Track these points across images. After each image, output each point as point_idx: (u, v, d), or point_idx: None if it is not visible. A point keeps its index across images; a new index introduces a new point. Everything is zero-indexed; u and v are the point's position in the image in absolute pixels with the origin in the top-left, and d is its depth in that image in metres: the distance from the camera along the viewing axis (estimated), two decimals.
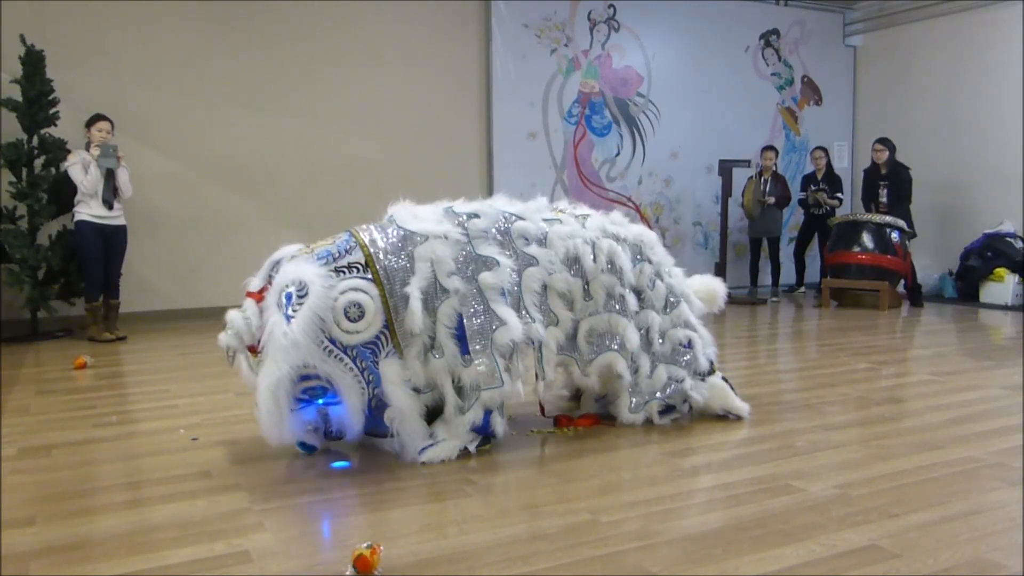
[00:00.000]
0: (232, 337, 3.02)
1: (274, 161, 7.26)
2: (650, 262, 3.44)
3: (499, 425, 3.07)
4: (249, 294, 3.03)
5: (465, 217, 3.18)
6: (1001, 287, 7.80)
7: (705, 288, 3.70)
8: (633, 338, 3.30)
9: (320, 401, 2.89)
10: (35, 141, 5.97)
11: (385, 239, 3.08)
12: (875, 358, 5.09)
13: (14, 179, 5.92)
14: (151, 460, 3.03)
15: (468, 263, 3.05)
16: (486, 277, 3.03)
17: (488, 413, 3.02)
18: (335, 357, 2.79)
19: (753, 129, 9.26)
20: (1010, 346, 5.67)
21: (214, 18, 6.98)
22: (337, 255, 2.99)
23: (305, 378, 2.79)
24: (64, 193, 5.87)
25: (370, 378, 2.84)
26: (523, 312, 3.10)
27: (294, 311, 2.77)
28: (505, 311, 3.02)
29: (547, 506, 2.51)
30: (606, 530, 2.31)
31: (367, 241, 3.07)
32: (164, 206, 6.86)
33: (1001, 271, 7.83)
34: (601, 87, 8.55)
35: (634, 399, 3.40)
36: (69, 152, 5.90)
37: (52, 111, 6.02)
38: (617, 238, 3.39)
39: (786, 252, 8.97)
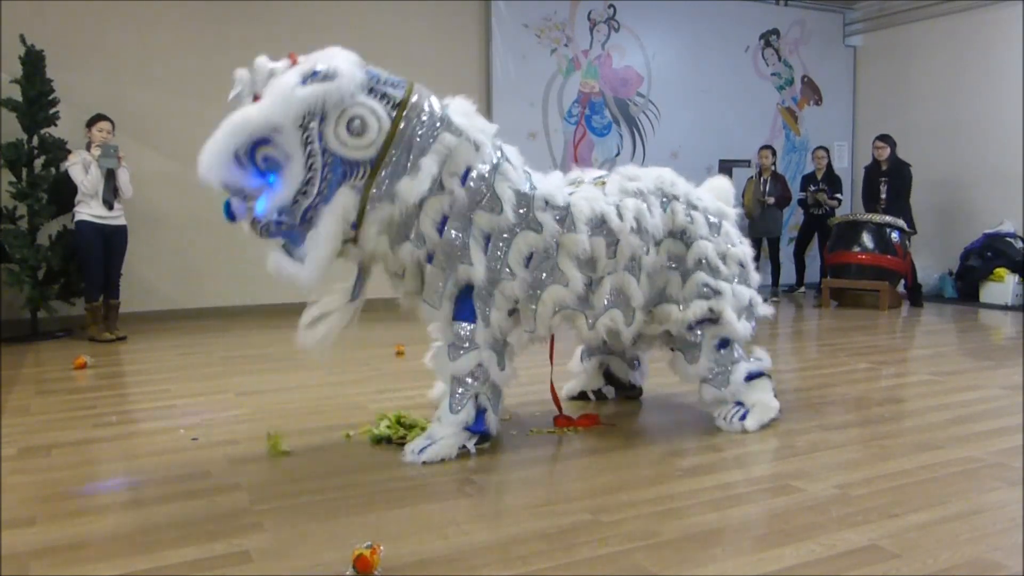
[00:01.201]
0: (252, 74, 2.89)
1: None
2: (677, 198, 3.36)
3: (493, 424, 3.06)
4: (292, 55, 2.89)
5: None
6: (1001, 287, 7.80)
7: (716, 187, 3.63)
8: (638, 296, 3.22)
9: (271, 179, 2.76)
10: (35, 141, 5.97)
11: (431, 112, 2.92)
12: (875, 358, 5.09)
13: (14, 179, 5.92)
14: (151, 460, 3.03)
15: (483, 188, 2.95)
16: (481, 215, 2.95)
17: (482, 412, 3.02)
18: (308, 145, 2.70)
19: (753, 129, 9.25)
20: (1010, 346, 5.67)
21: (214, 18, 6.98)
22: (384, 81, 2.91)
23: (266, 142, 2.71)
24: (64, 193, 5.87)
25: (323, 190, 2.74)
26: (505, 267, 3.01)
27: (310, 82, 2.70)
28: (477, 255, 2.95)
29: (547, 506, 2.51)
30: (606, 530, 2.31)
31: (416, 89, 2.96)
32: (164, 206, 6.86)
33: (1001, 271, 7.83)
34: (601, 87, 8.55)
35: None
36: (69, 152, 5.90)
37: (52, 111, 6.02)
38: (640, 193, 3.29)
39: (786, 252, 8.97)
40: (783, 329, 6.77)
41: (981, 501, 2.55)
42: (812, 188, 8.48)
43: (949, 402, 3.87)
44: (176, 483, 2.75)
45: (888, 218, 7.68)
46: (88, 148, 5.81)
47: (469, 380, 3.01)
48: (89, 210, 5.77)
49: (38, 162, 6.01)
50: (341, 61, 2.78)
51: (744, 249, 3.47)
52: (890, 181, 7.83)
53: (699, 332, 3.35)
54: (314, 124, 2.71)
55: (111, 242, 5.89)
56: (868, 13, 9.69)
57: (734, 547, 2.19)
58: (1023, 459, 2.95)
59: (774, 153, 8.54)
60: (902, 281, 7.88)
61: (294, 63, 2.82)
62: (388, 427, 3.26)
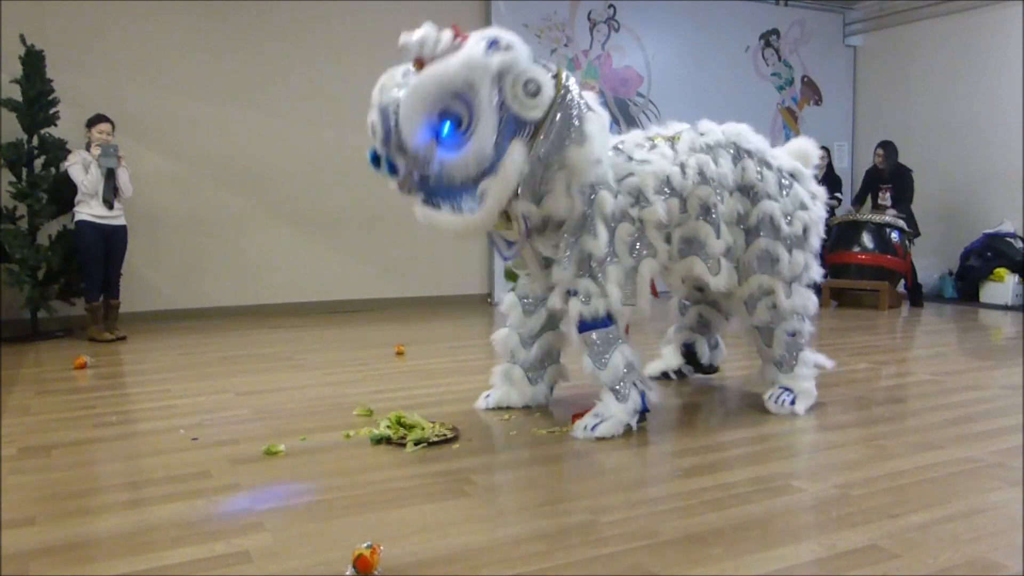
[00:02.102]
0: (420, 39, 3.04)
1: (274, 161, 7.26)
2: (750, 155, 3.51)
3: (653, 396, 3.34)
4: (455, 27, 3.09)
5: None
6: (1001, 287, 7.80)
7: (797, 149, 3.80)
8: (715, 244, 3.38)
9: (446, 130, 2.95)
10: (35, 141, 5.97)
11: (575, 88, 3.14)
12: (875, 358, 5.09)
13: (14, 179, 5.92)
14: (151, 460, 3.03)
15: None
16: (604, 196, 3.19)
17: (642, 394, 3.27)
18: (491, 105, 2.91)
19: (753, 129, 9.23)
20: (1010, 346, 5.67)
21: (214, 18, 6.98)
22: (536, 57, 3.14)
23: (459, 98, 2.90)
24: (64, 193, 5.87)
25: (497, 143, 2.94)
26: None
27: (494, 49, 2.94)
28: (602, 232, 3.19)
29: (547, 506, 2.51)
30: (606, 530, 2.31)
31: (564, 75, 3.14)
32: (164, 206, 6.87)
33: (1001, 271, 7.83)
34: (601, 87, 8.55)
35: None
36: (69, 152, 5.90)
37: (52, 111, 6.02)
38: (708, 148, 3.46)
39: None
40: None
41: (981, 501, 2.55)
42: None
43: (949, 402, 3.87)
44: (176, 483, 2.75)
45: (888, 218, 7.68)
46: (88, 148, 5.81)
47: (624, 372, 3.22)
48: (89, 210, 5.77)
49: (38, 162, 6.01)
50: (502, 33, 3.06)
51: (812, 214, 3.58)
52: (893, 187, 7.84)
53: (772, 325, 3.58)
54: (502, 84, 2.95)
55: (111, 242, 5.89)
56: (868, 13, 9.69)
57: (734, 547, 2.19)
58: (1023, 459, 2.95)
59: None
60: (902, 281, 7.88)
61: (457, 34, 3.04)
62: (388, 427, 3.26)
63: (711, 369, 4.31)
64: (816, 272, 3.65)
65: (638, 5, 8.66)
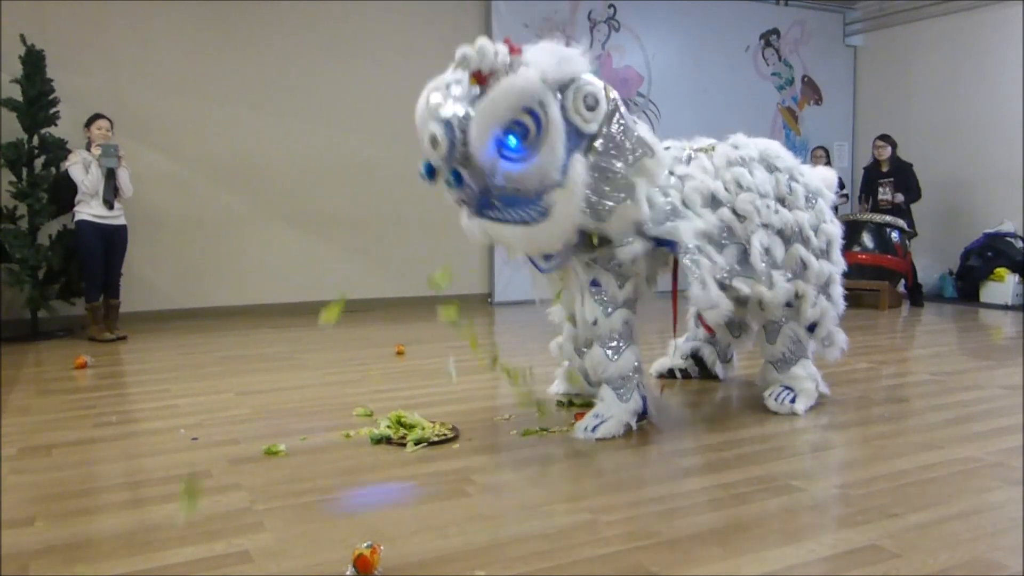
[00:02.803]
0: (479, 52, 2.91)
1: (274, 161, 7.27)
2: (779, 170, 3.64)
3: (651, 404, 3.43)
4: (507, 40, 3.05)
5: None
6: (1001, 287, 7.80)
7: (820, 175, 3.92)
8: (756, 245, 3.45)
9: (512, 143, 2.93)
10: (35, 141, 5.98)
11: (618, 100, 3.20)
12: (875, 358, 5.09)
13: (14, 179, 5.92)
14: (151, 460, 3.03)
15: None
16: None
17: (643, 397, 3.34)
18: (559, 118, 2.94)
19: (753, 129, 9.05)
20: (1010, 346, 5.67)
21: (214, 18, 6.98)
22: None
23: (527, 111, 2.90)
24: (64, 193, 5.87)
25: (560, 156, 2.96)
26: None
27: (562, 64, 2.99)
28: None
29: (547, 506, 2.51)
30: (606, 530, 2.31)
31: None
32: (164, 206, 6.87)
33: (1001, 271, 7.83)
34: None
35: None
36: (69, 152, 5.91)
37: (52, 111, 6.03)
38: (744, 161, 3.58)
39: None
40: None
41: (981, 501, 2.55)
42: None
43: (949, 402, 3.87)
44: (176, 483, 2.75)
45: (888, 218, 7.68)
46: (88, 148, 5.81)
47: (631, 373, 3.29)
48: (89, 210, 5.77)
49: (38, 162, 6.02)
50: (571, 50, 3.08)
51: (835, 229, 3.75)
52: (895, 182, 7.84)
53: (784, 318, 3.65)
54: (564, 98, 2.98)
55: (111, 242, 5.89)
56: (868, 13, 9.69)
57: (734, 547, 2.19)
58: (1023, 459, 2.95)
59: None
60: (902, 281, 7.88)
61: (512, 50, 3.00)
62: (388, 427, 3.26)
63: (715, 376, 4.35)
64: (837, 281, 3.77)
65: (638, 5, 8.66)
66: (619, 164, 3.08)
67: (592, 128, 3.04)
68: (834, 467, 2.89)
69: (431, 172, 3.06)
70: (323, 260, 7.50)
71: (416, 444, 3.12)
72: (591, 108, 3.02)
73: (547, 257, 3.31)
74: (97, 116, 5.87)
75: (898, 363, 5.08)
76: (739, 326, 4.12)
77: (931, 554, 2.14)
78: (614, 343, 3.28)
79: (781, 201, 3.59)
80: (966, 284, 8.18)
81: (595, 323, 3.31)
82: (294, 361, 5.04)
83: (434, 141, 2.97)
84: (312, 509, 2.50)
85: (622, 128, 3.11)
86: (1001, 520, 2.38)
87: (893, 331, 6.47)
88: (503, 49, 2.96)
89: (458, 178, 3.00)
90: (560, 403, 3.79)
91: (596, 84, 3.06)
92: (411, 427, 3.26)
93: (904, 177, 7.83)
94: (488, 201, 3.04)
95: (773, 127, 9.43)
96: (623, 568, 2.07)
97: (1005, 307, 7.64)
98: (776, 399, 3.65)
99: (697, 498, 2.58)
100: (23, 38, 5.96)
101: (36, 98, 5.93)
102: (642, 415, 3.36)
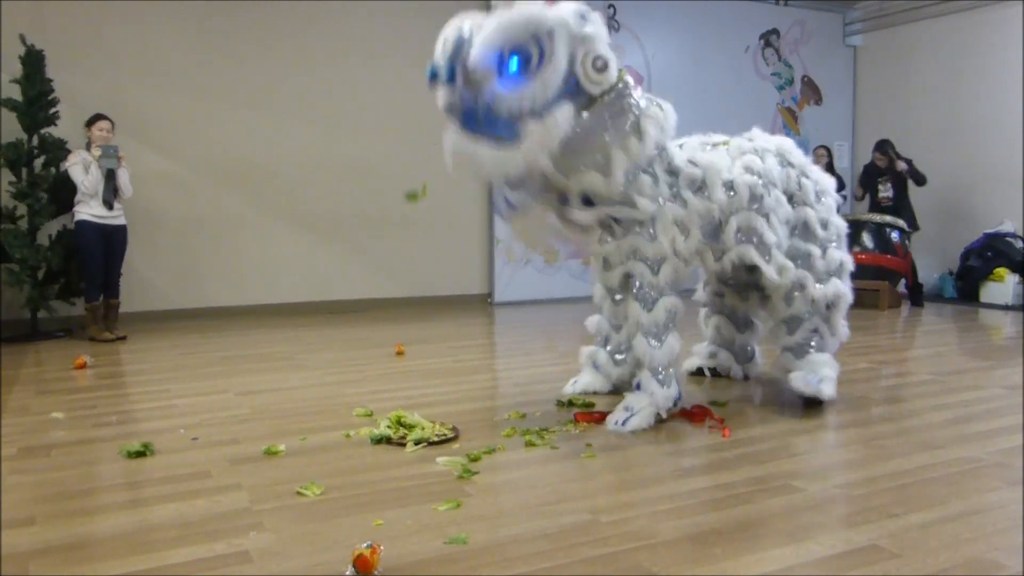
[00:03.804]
0: None
1: (274, 161, 7.27)
2: (792, 165, 3.79)
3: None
4: None
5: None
6: (1001, 287, 7.80)
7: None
8: (770, 236, 3.58)
9: (513, 66, 3.04)
10: (35, 141, 5.97)
11: (631, 84, 3.36)
12: (875, 358, 5.10)
13: (14, 179, 5.92)
14: (151, 460, 3.03)
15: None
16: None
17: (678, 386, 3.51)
18: (564, 60, 3.06)
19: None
20: (1010, 346, 5.67)
21: (214, 18, 6.98)
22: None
23: (536, 41, 3.03)
24: (64, 193, 5.87)
25: (550, 93, 3.06)
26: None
27: (584, 21, 3.18)
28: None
29: (547, 506, 2.51)
30: (606, 530, 2.31)
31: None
32: (164, 206, 6.86)
33: (1001, 271, 7.83)
34: None
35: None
36: (69, 152, 5.90)
37: (52, 111, 6.02)
38: (756, 151, 3.72)
39: None
40: None
41: (981, 501, 2.55)
42: None
43: (949, 402, 3.87)
44: (176, 483, 2.75)
45: (888, 218, 7.68)
46: (88, 148, 5.81)
47: (673, 360, 3.45)
48: (89, 210, 5.77)
49: (38, 162, 6.01)
50: (597, 14, 3.26)
51: (842, 223, 3.91)
52: (893, 180, 7.84)
53: (806, 313, 3.74)
54: (576, 51, 3.13)
55: (111, 242, 5.89)
56: (868, 13, 9.69)
57: (734, 547, 2.19)
58: (1023, 459, 2.95)
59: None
60: (902, 281, 7.88)
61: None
62: (388, 427, 3.27)
63: (743, 377, 4.41)
64: (849, 268, 3.87)
65: (638, 5, 8.65)
66: (606, 136, 3.20)
67: (594, 90, 3.18)
68: (834, 467, 2.89)
69: (434, 75, 3.14)
70: (323, 260, 7.50)
71: (416, 444, 3.12)
72: (598, 70, 3.17)
73: (509, 200, 3.40)
74: (98, 117, 5.87)
75: (898, 363, 5.08)
76: (745, 322, 4.20)
77: (931, 554, 2.14)
78: (657, 331, 3.41)
79: (791, 196, 3.73)
80: (966, 284, 8.18)
81: (638, 320, 3.43)
82: (294, 361, 5.04)
83: (445, 41, 3.16)
84: (312, 509, 2.50)
85: (624, 107, 3.24)
86: (1001, 520, 2.39)
87: (893, 331, 6.47)
88: None
89: (452, 75, 3.09)
90: (560, 403, 3.79)
91: (609, 53, 3.20)
92: (411, 427, 3.26)
93: (902, 177, 7.84)
94: (473, 114, 3.11)
95: (773, 127, 9.42)
96: (623, 568, 2.07)
97: (1005, 307, 7.64)
98: (802, 381, 3.69)
99: (697, 498, 2.58)
100: (23, 38, 5.96)
101: (36, 98, 5.93)
102: (676, 400, 3.51)
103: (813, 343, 3.78)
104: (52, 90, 6.03)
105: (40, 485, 2.75)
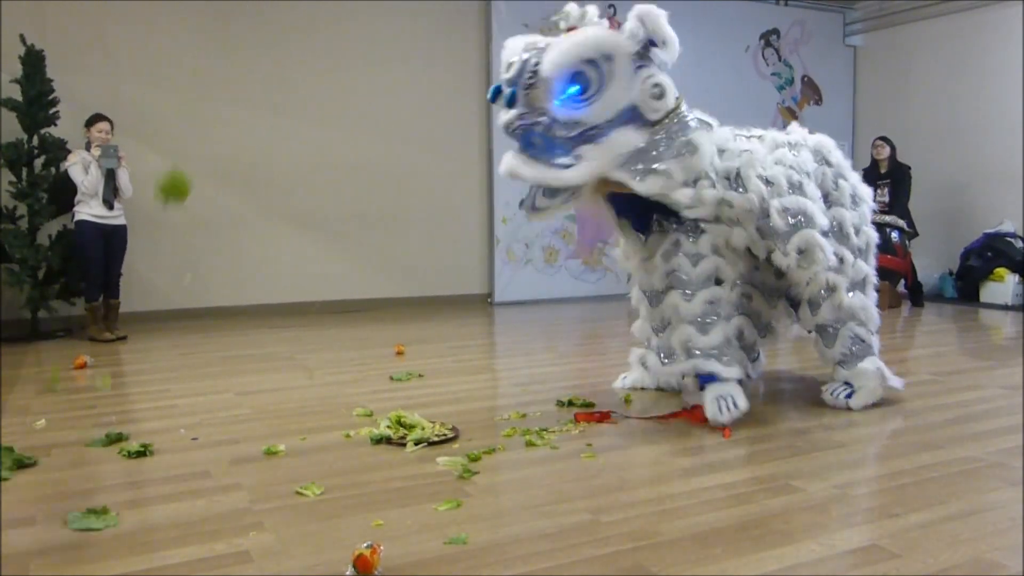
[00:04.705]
0: (576, 12, 3.40)
1: (274, 161, 7.26)
2: (830, 164, 3.74)
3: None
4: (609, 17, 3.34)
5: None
6: (1001, 287, 7.80)
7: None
8: (822, 220, 3.53)
9: (573, 90, 3.18)
10: (35, 141, 5.97)
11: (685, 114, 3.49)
12: None
13: (14, 179, 5.92)
14: (151, 460, 3.03)
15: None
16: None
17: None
18: (622, 87, 3.21)
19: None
20: (1010, 346, 5.67)
21: (214, 18, 6.98)
22: None
23: (591, 63, 3.16)
24: (64, 193, 5.87)
25: (610, 120, 3.23)
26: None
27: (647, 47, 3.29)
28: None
29: (547, 506, 2.51)
30: (606, 530, 2.31)
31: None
32: (164, 206, 6.85)
33: (1001, 271, 7.83)
34: None
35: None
36: (69, 152, 5.90)
37: (52, 111, 6.02)
38: (791, 145, 3.69)
39: None
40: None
41: (981, 501, 2.55)
42: None
43: (949, 402, 3.87)
44: (176, 483, 2.75)
45: (888, 218, 7.67)
46: (88, 148, 5.81)
47: (723, 346, 3.47)
48: (89, 210, 5.77)
49: (38, 162, 6.01)
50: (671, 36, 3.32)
51: (873, 232, 3.86)
52: (891, 184, 7.83)
53: (836, 325, 3.69)
54: (638, 77, 3.26)
55: (111, 242, 5.89)
56: (868, 13, 9.69)
57: (734, 547, 2.19)
58: (1023, 459, 2.95)
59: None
60: (902, 281, 7.88)
61: (611, 24, 3.43)
62: (388, 427, 3.27)
63: (748, 379, 4.36)
64: (873, 281, 3.82)
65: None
66: (664, 151, 3.31)
67: (652, 116, 3.32)
68: (834, 467, 2.89)
69: (495, 95, 3.30)
70: (323, 260, 7.50)
71: (416, 444, 3.12)
72: (656, 97, 3.29)
73: (536, 203, 3.44)
74: (97, 117, 5.87)
75: (898, 363, 5.07)
76: (767, 326, 4.17)
77: (931, 554, 2.14)
78: (700, 322, 3.43)
79: (826, 196, 3.68)
80: (966, 284, 8.18)
81: (678, 310, 3.45)
82: (294, 361, 5.04)
83: (509, 65, 3.25)
84: (312, 509, 2.50)
85: (680, 128, 3.36)
86: (1001, 520, 2.39)
87: (893, 331, 6.46)
88: (594, 10, 3.40)
89: (512, 100, 3.22)
90: (560, 403, 3.79)
91: (667, 80, 3.33)
92: (411, 427, 3.26)
93: (898, 182, 7.82)
94: (530, 139, 3.23)
95: (773, 127, 9.41)
96: (623, 568, 2.07)
97: (1005, 307, 7.64)
98: (832, 394, 3.72)
99: (697, 498, 2.58)
100: (23, 38, 5.96)
101: (36, 98, 5.93)
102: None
103: (855, 349, 3.71)
104: (52, 90, 6.03)
105: (40, 485, 2.75)
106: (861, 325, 3.70)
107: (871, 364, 3.71)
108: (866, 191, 3.91)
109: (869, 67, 9.85)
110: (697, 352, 3.42)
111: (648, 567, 2.07)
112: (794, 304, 3.91)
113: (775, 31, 9.53)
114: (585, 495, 2.61)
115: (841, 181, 3.75)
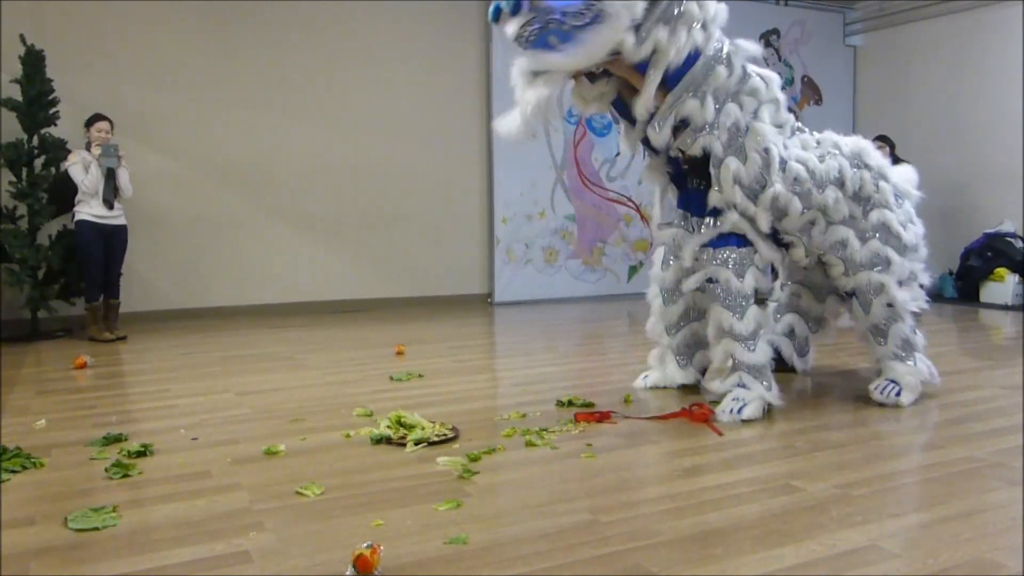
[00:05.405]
0: None
1: (274, 161, 7.27)
2: (869, 168, 3.76)
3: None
4: None
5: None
6: (1001, 287, 7.80)
7: (900, 173, 4.02)
8: (843, 209, 3.65)
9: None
10: (35, 141, 5.98)
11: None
12: None
13: (14, 179, 5.92)
14: (151, 460, 3.03)
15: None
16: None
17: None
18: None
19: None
20: (1010, 346, 5.67)
21: (214, 18, 6.98)
22: None
23: None
24: (64, 193, 5.87)
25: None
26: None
27: None
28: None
29: (547, 506, 2.51)
30: (606, 530, 2.31)
31: None
32: (165, 206, 6.87)
33: (1001, 271, 7.83)
34: None
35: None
36: (69, 152, 5.91)
37: (52, 111, 6.02)
38: (818, 144, 3.78)
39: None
40: None
41: (981, 501, 2.55)
42: None
43: (949, 402, 3.87)
44: (176, 483, 2.75)
45: None
46: (88, 148, 5.81)
47: (767, 362, 3.58)
48: (89, 210, 5.77)
49: (38, 162, 6.02)
50: None
51: (919, 229, 3.88)
52: None
53: (887, 323, 3.76)
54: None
55: (111, 242, 5.89)
56: (868, 13, 9.69)
57: (734, 547, 2.19)
58: (1023, 459, 2.95)
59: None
60: None
61: None
62: (388, 427, 3.27)
63: (793, 369, 4.42)
64: (923, 279, 3.88)
65: None
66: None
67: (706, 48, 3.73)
68: (834, 467, 2.89)
69: (497, 13, 3.27)
70: (323, 260, 7.51)
71: (416, 444, 3.12)
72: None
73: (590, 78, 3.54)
74: (97, 117, 5.87)
75: None
76: (818, 320, 4.26)
77: (931, 554, 2.14)
78: (748, 338, 3.50)
79: (867, 199, 3.73)
80: (966, 284, 8.18)
81: (731, 329, 3.49)
82: (294, 361, 5.04)
83: None
84: (312, 509, 2.50)
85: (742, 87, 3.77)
86: (1001, 520, 2.39)
87: None
88: None
89: (516, 8, 3.20)
90: (560, 403, 3.79)
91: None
92: (411, 427, 3.26)
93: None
94: (546, 41, 3.21)
95: None
96: (623, 568, 2.07)
97: (1005, 307, 7.64)
98: (881, 392, 3.76)
99: (697, 498, 2.58)
100: (23, 38, 5.96)
101: (36, 98, 5.93)
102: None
103: (902, 350, 3.79)
104: (52, 90, 6.03)
105: (40, 485, 2.75)
106: (908, 323, 3.79)
107: (913, 363, 3.81)
108: (909, 178, 3.96)
109: (869, 67, 9.85)
110: (745, 369, 3.53)
111: (648, 567, 2.07)
112: (841, 298, 4.03)
113: (775, 31, 9.53)
114: (585, 495, 2.61)
115: (882, 183, 3.76)
